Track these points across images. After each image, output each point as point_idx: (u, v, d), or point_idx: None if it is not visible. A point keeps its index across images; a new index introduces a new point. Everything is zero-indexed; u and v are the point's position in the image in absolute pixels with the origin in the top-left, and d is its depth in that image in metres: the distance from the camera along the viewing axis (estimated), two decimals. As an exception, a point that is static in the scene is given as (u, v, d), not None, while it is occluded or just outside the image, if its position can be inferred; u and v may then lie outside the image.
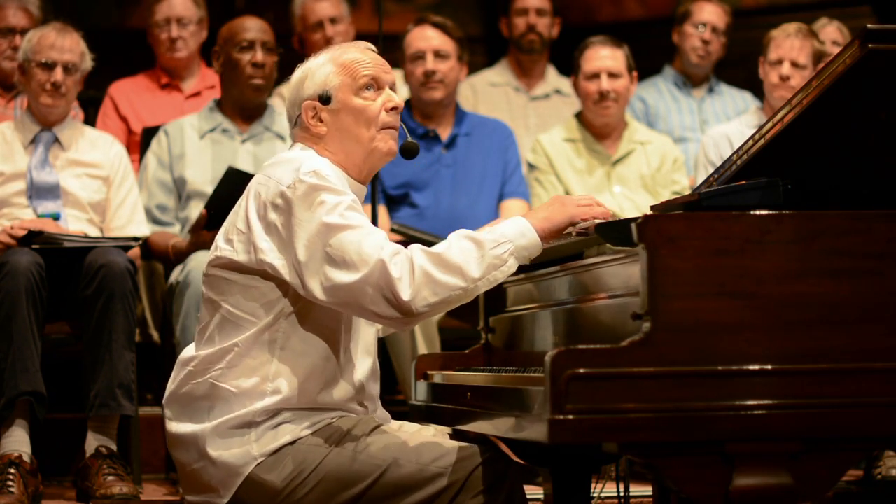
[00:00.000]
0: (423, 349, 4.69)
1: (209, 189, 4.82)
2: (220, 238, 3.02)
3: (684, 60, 6.29)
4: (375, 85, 3.04)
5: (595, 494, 3.51)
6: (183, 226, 4.95)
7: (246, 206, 2.97)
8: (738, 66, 6.45)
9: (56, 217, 4.69)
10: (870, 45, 2.53)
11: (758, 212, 2.58)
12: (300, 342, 2.94)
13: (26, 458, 4.29)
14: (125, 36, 6.99)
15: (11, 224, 4.54)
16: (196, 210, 4.85)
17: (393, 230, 4.86)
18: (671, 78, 6.33)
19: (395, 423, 3.08)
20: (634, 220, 2.55)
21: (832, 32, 5.93)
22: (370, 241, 2.84)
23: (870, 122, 2.72)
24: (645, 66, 5.87)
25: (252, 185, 3.00)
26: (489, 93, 6.31)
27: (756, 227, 2.55)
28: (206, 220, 4.57)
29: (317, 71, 3.05)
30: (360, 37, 6.04)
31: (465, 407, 3.01)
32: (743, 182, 2.67)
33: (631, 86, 5.46)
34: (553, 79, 6.40)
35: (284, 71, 3.97)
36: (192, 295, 4.47)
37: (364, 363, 3.06)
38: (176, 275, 4.71)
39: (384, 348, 4.75)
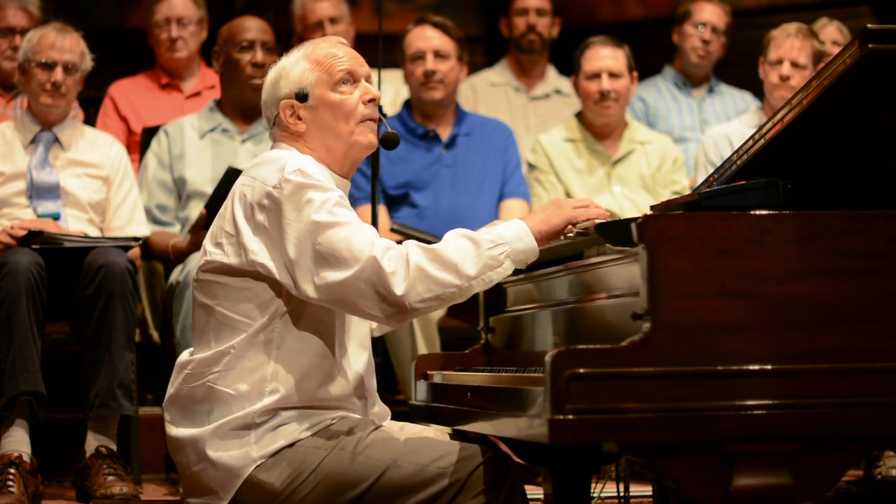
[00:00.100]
0: (423, 349, 4.69)
1: (209, 189, 4.82)
2: (208, 243, 3.01)
3: (684, 60, 6.29)
4: (351, 78, 3.04)
5: (595, 494, 3.51)
6: (183, 226, 4.95)
7: (232, 209, 2.96)
8: (738, 66, 6.45)
9: (56, 217, 4.69)
10: (870, 45, 2.53)
11: (758, 212, 2.58)
12: (296, 341, 2.94)
13: (26, 458, 4.29)
14: (125, 36, 6.99)
15: (11, 224, 4.54)
16: (196, 210, 4.85)
17: (393, 230, 4.86)
18: (671, 78, 6.33)
19: (397, 424, 3.07)
20: (634, 220, 2.55)
21: (832, 32, 5.93)
22: (360, 237, 2.84)
23: (870, 122, 2.72)
24: (645, 66, 5.87)
25: (236, 187, 2.99)
26: (489, 93, 6.31)
27: (756, 227, 2.55)
28: (207, 220, 4.57)
29: (291, 69, 3.04)
30: (360, 37, 6.12)
31: (465, 407, 3.01)
32: (743, 182, 2.67)
33: (631, 86, 5.46)
34: (553, 79, 6.40)
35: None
36: (192, 295, 4.46)
37: (360, 358, 3.05)
38: (176, 275, 4.71)
39: (384, 348, 4.75)
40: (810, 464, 2.54)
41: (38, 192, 4.73)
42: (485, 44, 7.76)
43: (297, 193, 2.87)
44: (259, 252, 2.91)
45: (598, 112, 5.40)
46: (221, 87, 5.12)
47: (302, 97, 3.02)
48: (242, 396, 2.91)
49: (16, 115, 5.22)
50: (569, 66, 5.58)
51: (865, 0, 7.26)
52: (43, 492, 4.42)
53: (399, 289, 2.81)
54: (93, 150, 4.86)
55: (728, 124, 5.55)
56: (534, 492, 3.53)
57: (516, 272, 3.26)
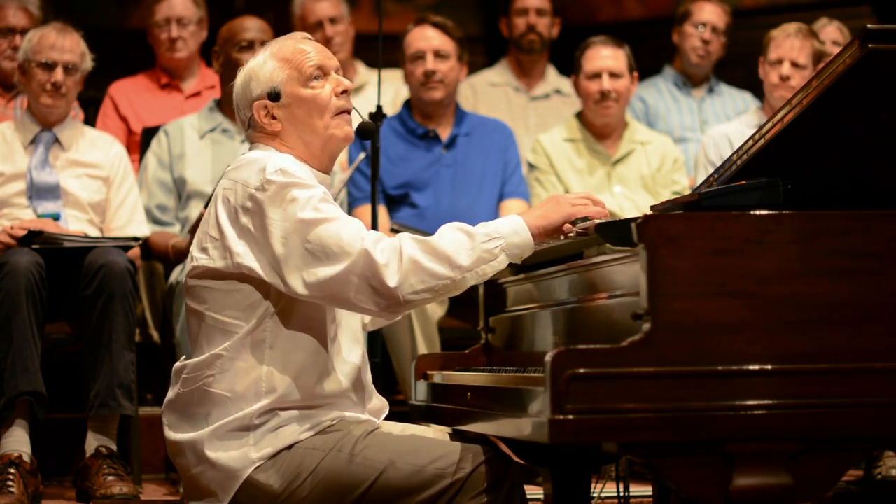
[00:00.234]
0: (423, 349, 4.69)
1: (209, 189, 4.82)
2: (194, 248, 3.00)
3: (684, 60, 6.29)
4: (321, 73, 3.03)
5: (595, 494, 3.51)
6: (183, 226, 4.95)
7: (216, 213, 2.95)
8: (738, 66, 6.46)
9: (56, 217, 4.69)
10: (870, 45, 2.53)
11: (758, 212, 2.58)
12: (288, 339, 2.93)
13: (26, 458, 4.29)
14: (125, 36, 6.99)
15: (11, 224, 4.54)
16: (196, 210, 4.85)
17: (393, 230, 4.86)
18: (671, 78, 6.33)
19: (397, 425, 3.07)
20: (634, 220, 2.55)
21: (832, 32, 5.93)
22: (349, 231, 2.84)
23: (870, 122, 2.72)
24: (645, 66, 5.87)
25: (218, 190, 2.98)
26: (489, 93, 6.31)
27: (756, 227, 2.55)
28: (206, 220, 4.57)
29: (260, 70, 3.04)
30: (360, 37, 6.13)
31: (465, 407, 3.01)
32: (743, 182, 2.67)
33: (632, 86, 5.46)
34: (553, 79, 6.40)
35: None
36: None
37: (354, 352, 3.05)
38: (176, 275, 4.71)
39: (384, 348, 4.75)
40: (810, 464, 2.54)
41: (38, 192, 4.73)
42: (485, 44, 7.76)
43: (281, 193, 2.87)
44: (245, 255, 2.90)
45: (598, 112, 5.41)
46: (221, 87, 5.12)
47: (274, 96, 3.01)
48: (239, 398, 2.91)
49: (16, 115, 5.22)
50: (569, 66, 5.58)
51: (865, 0, 7.26)
52: (43, 492, 4.42)
53: (392, 281, 2.80)
54: (93, 151, 4.86)
55: (728, 124, 5.55)
56: (534, 492, 3.53)
57: (517, 272, 3.27)
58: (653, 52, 6.44)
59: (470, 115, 5.47)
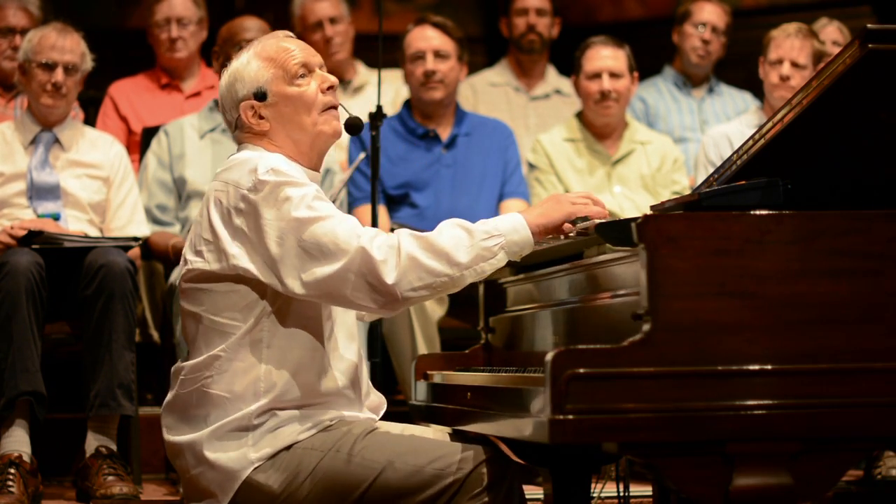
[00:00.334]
0: (423, 349, 4.69)
1: (209, 189, 4.82)
2: (187, 251, 2.99)
3: (684, 60, 6.29)
4: (306, 70, 3.03)
5: (595, 494, 3.51)
6: (183, 226, 4.95)
7: (208, 215, 2.94)
8: (738, 66, 6.45)
9: (56, 217, 4.69)
10: (870, 45, 2.53)
11: (758, 212, 2.58)
12: (285, 338, 2.93)
13: (26, 458, 4.29)
14: (125, 36, 6.99)
15: (11, 224, 4.54)
16: (196, 210, 4.84)
17: (393, 230, 4.85)
18: (671, 78, 6.33)
19: (397, 425, 3.07)
20: (634, 220, 2.55)
21: (832, 32, 5.93)
22: (344, 229, 2.83)
23: (870, 122, 2.72)
24: (645, 66, 5.87)
25: (209, 192, 2.97)
26: (489, 93, 6.31)
27: (756, 227, 2.55)
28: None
29: (244, 70, 3.03)
30: (360, 37, 6.12)
31: (465, 407, 3.01)
32: (743, 182, 2.67)
33: (632, 86, 5.46)
34: (553, 79, 6.40)
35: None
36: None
37: (350, 348, 3.04)
38: (176, 275, 4.71)
39: (384, 348, 4.75)
40: (810, 464, 2.54)
41: (38, 192, 4.73)
42: (485, 44, 7.76)
43: (274, 192, 2.86)
44: (240, 256, 2.89)
45: (598, 112, 5.41)
46: (221, 87, 5.11)
47: (260, 96, 3.01)
48: (238, 398, 2.91)
49: (16, 116, 5.22)
50: (569, 66, 5.58)
51: (865, 0, 7.26)
52: (43, 492, 4.42)
53: (390, 277, 2.80)
54: (93, 151, 4.86)
55: (728, 124, 5.55)
56: (534, 492, 3.53)
57: (517, 272, 3.27)
58: (653, 52, 6.44)
59: (470, 115, 5.47)
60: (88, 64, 4.81)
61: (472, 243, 2.84)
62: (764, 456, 2.51)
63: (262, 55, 3.03)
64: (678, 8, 6.50)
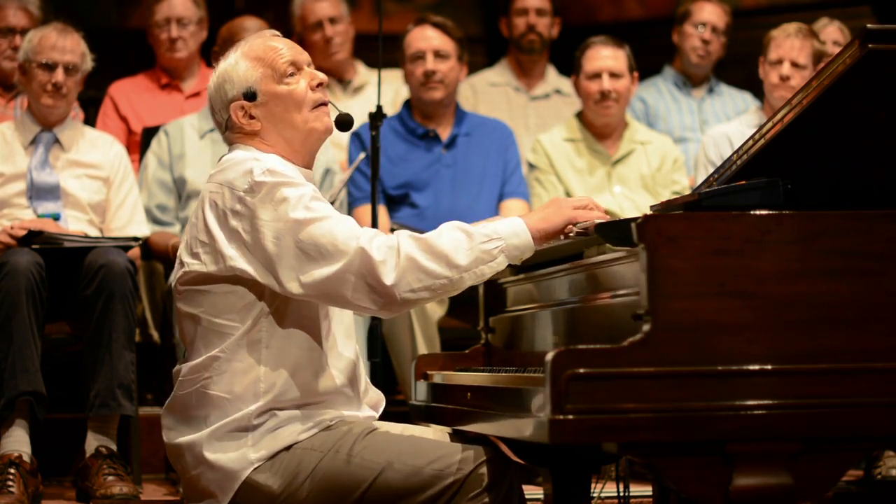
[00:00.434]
0: (423, 349, 4.69)
1: (209, 189, 4.82)
2: (183, 253, 2.98)
3: (684, 60, 6.29)
4: (295, 68, 3.03)
5: (595, 494, 3.51)
6: (183, 226, 4.95)
7: (204, 217, 2.94)
8: (738, 66, 6.46)
9: (56, 217, 4.69)
10: (870, 45, 2.53)
11: (758, 212, 2.58)
12: (283, 338, 2.93)
13: (26, 458, 4.29)
14: (125, 36, 6.99)
15: (11, 224, 4.54)
16: (196, 210, 4.84)
17: (393, 230, 4.86)
18: (671, 78, 6.33)
19: (398, 426, 3.07)
20: (634, 220, 2.55)
21: (832, 32, 5.93)
22: (343, 230, 2.83)
23: (870, 122, 2.72)
24: (645, 66, 5.87)
25: (204, 194, 2.97)
26: (489, 93, 6.31)
27: (756, 227, 2.55)
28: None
29: (232, 71, 3.02)
30: (360, 37, 6.12)
31: (465, 407, 3.01)
32: (743, 182, 2.67)
33: (632, 86, 5.46)
34: (553, 79, 6.40)
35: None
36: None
37: (348, 346, 3.04)
38: (172, 277, 4.70)
39: (384, 348, 4.75)
40: (810, 464, 2.54)
41: (38, 192, 4.73)
42: (485, 44, 7.76)
43: (271, 193, 2.86)
44: (237, 258, 2.88)
45: (598, 112, 5.41)
46: (221, 87, 5.11)
47: (250, 96, 3.01)
48: (238, 399, 2.91)
49: (16, 116, 5.22)
50: (569, 66, 5.58)
51: (865, 0, 7.26)
52: (43, 492, 4.42)
53: (389, 278, 2.80)
54: (93, 151, 4.86)
55: (728, 124, 5.55)
56: (534, 492, 3.53)
57: (517, 272, 3.27)
58: (653, 52, 6.43)
59: (470, 115, 5.47)
60: (88, 64, 4.81)
61: (471, 246, 2.84)
62: (764, 456, 2.51)
63: (249, 55, 3.03)
64: (678, 8, 6.50)
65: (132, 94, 5.76)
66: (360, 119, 5.25)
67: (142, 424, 4.71)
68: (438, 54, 5.27)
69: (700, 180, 4.29)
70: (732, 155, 2.80)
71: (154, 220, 4.98)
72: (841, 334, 2.55)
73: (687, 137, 6.12)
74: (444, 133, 5.33)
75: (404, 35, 5.36)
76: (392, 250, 2.81)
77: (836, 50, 4.43)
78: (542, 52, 6.34)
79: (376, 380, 3.68)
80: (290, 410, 2.92)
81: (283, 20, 6.04)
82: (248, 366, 2.91)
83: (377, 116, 4.41)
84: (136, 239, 4.66)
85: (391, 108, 5.68)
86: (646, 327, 2.50)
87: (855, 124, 2.72)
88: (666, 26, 6.47)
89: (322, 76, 3.04)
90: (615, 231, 2.68)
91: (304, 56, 3.06)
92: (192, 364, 2.95)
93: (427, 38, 5.29)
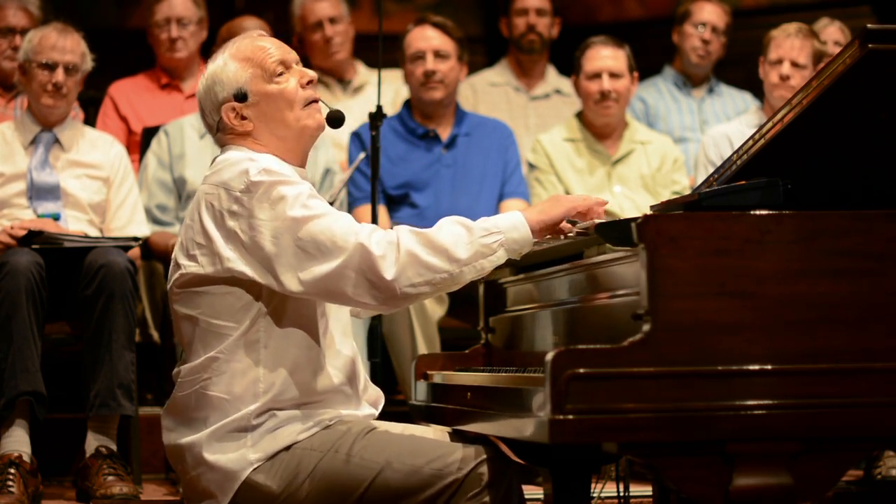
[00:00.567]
0: (423, 349, 4.69)
1: (209, 189, 4.82)
2: (179, 255, 2.97)
3: (684, 60, 6.29)
4: (284, 67, 3.03)
5: (595, 494, 3.51)
6: (183, 226, 4.95)
7: (200, 219, 2.92)
8: (738, 66, 6.46)
9: (56, 217, 4.69)
10: (870, 45, 2.53)
11: (758, 212, 2.58)
12: (282, 338, 2.93)
13: (26, 458, 4.29)
14: (125, 36, 6.99)
15: (11, 224, 4.54)
16: (196, 210, 4.84)
17: (393, 230, 4.85)
18: (671, 78, 6.33)
19: (398, 425, 3.07)
20: (634, 220, 2.55)
21: (833, 32, 5.93)
22: (341, 226, 2.83)
23: (870, 122, 2.72)
24: (645, 66, 5.87)
25: (199, 196, 2.95)
26: (489, 93, 6.31)
27: (756, 227, 2.55)
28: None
29: (222, 73, 3.02)
30: (360, 37, 6.12)
31: (465, 407, 3.01)
32: (743, 182, 2.67)
33: (632, 86, 5.46)
34: (553, 79, 6.40)
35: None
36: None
37: (346, 344, 3.04)
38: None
39: (384, 348, 4.75)
40: (810, 464, 2.54)
41: (38, 192, 4.73)
42: (485, 44, 7.76)
43: (268, 193, 2.85)
44: (235, 260, 2.88)
45: (598, 112, 5.41)
46: (221, 87, 5.11)
47: (241, 97, 3.00)
48: (237, 399, 2.90)
49: (16, 116, 5.22)
50: (569, 66, 5.58)
51: (865, 0, 7.26)
52: (43, 492, 4.42)
53: (389, 273, 2.80)
54: (93, 151, 4.86)
55: (728, 124, 5.55)
56: (534, 492, 3.53)
57: (517, 272, 3.27)
58: (653, 52, 6.43)
59: (470, 115, 5.47)
60: (88, 64, 4.81)
61: (471, 240, 2.84)
62: (764, 456, 2.51)
63: (238, 56, 3.03)
64: (678, 8, 6.50)
65: (132, 94, 5.76)
66: (360, 119, 5.26)
67: (142, 424, 4.71)
68: (438, 54, 5.27)
69: (700, 180, 4.29)
70: (732, 155, 2.80)
71: (154, 220, 4.98)
72: (841, 334, 2.55)
73: (687, 137, 6.12)
74: (444, 133, 5.33)
75: (404, 35, 5.36)
76: (392, 245, 2.81)
77: (837, 50, 4.43)
78: (542, 52, 6.34)
79: (376, 380, 3.67)
80: (290, 410, 2.92)
81: (283, 20, 6.04)
82: (247, 366, 2.91)
83: (377, 116, 4.41)
84: (136, 239, 4.66)
85: (391, 108, 5.68)
86: (646, 327, 2.50)
87: (855, 124, 2.72)
88: (666, 26, 6.47)
89: (312, 73, 3.04)
90: (615, 231, 2.68)
91: (292, 55, 3.06)
92: (191, 365, 2.95)
93: (427, 38, 5.29)
